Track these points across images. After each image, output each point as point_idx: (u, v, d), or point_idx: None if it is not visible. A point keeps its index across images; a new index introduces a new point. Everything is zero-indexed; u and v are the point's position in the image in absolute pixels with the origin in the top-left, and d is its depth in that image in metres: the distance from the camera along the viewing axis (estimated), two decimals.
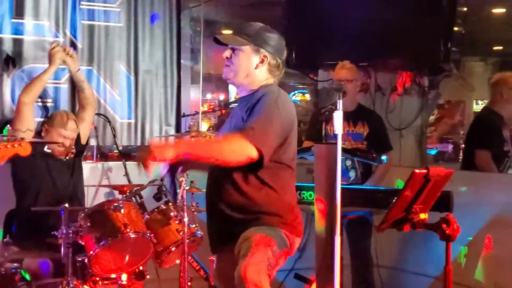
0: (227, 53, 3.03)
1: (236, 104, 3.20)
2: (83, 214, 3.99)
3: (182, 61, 6.02)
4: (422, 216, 2.74)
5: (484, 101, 8.36)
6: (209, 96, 13.44)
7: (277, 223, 3.03)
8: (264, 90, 3.02)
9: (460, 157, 9.98)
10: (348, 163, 4.86)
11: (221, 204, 3.04)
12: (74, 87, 5.00)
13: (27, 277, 4.07)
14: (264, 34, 3.06)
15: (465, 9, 6.18)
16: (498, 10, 8.83)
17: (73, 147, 4.48)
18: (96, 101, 4.99)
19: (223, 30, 7.96)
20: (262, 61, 3.04)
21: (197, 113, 7.04)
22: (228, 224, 3.04)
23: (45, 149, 4.39)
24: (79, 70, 4.77)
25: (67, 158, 4.51)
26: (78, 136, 4.57)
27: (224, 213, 3.04)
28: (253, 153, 2.82)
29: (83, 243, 3.98)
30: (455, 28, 5.88)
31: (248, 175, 2.98)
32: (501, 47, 10.00)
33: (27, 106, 4.45)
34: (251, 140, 2.81)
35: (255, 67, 3.04)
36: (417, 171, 2.65)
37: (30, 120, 4.47)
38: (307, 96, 13.28)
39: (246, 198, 3.00)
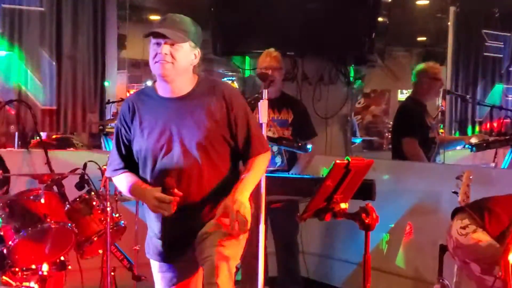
0: (167, 49, 2.90)
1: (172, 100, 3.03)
2: (1, 204, 3.89)
3: (107, 46, 5.92)
4: (343, 205, 2.76)
5: (409, 90, 8.52)
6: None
7: None
8: (217, 82, 3.09)
9: (384, 146, 10.18)
10: (275, 149, 4.88)
11: (199, 202, 2.99)
12: None
13: None
14: (198, 30, 3.02)
15: (389, 0, 6.29)
16: (422, 2, 9.05)
17: None
18: None
19: (150, 16, 7.86)
20: (195, 57, 3.02)
21: (122, 100, 6.92)
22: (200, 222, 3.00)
23: None
24: None
25: None
26: None
27: (199, 211, 3.00)
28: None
29: (1, 233, 3.88)
30: (380, 19, 5.98)
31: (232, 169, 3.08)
32: (425, 38, 10.23)
33: None
34: (266, 149, 3.12)
35: (190, 63, 3.01)
36: (338, 161, 2.67)
37: None
38: (236, 84, 13.27)
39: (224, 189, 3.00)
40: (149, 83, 2.99)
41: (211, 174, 2.99)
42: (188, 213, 2.97)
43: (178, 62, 2.92)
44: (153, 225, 3.11)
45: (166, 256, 3.11)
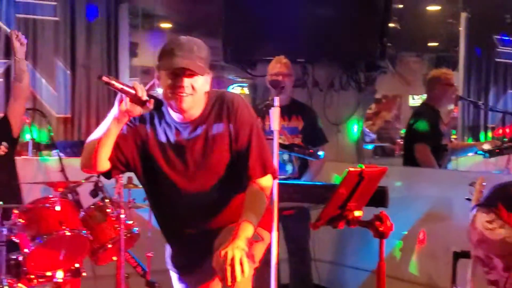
0: (188, 82, 2.68)
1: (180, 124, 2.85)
2: (17, 211, 3.92)
3: (120, 54, 5.96)
4: (357, 213, 2.75)
5: (421, 96, 8.48)
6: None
7: None
8: (224, 99, 2.84)
9: (396, 152, 10.17)
10: (285, 157, 4.88)
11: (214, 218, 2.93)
12: (9, 81, 4.89)
13: None
14: (209, 54, 2.82)
15: (401, 6, 6.30)
16: (433, 8, 9.04)
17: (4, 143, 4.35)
18: (29, 93, 4.84)
19: (161, 24, 7.89)
20: (206, 82, 2.80)
21: None
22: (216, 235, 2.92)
23: None
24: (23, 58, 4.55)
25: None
26: (10, 128, 4.43)
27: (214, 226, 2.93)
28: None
29: (17, 241, 3.92)
30: (391, 25, 5.98)
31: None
32: (436, 44, 10.23)
33: None
34: (268, 171, 2.86)
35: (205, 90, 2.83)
36: (351, 169, 2.67)
37: None
38: (246, 90, 13.28)
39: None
40: (160, 90, 2.89)
41: (225, 194, 2.90)
42: (204, 233, 2.92)
43: (197, 93, 2.74)
44: (171, 241, 3.08)
45: (186, 270, 3.09)
